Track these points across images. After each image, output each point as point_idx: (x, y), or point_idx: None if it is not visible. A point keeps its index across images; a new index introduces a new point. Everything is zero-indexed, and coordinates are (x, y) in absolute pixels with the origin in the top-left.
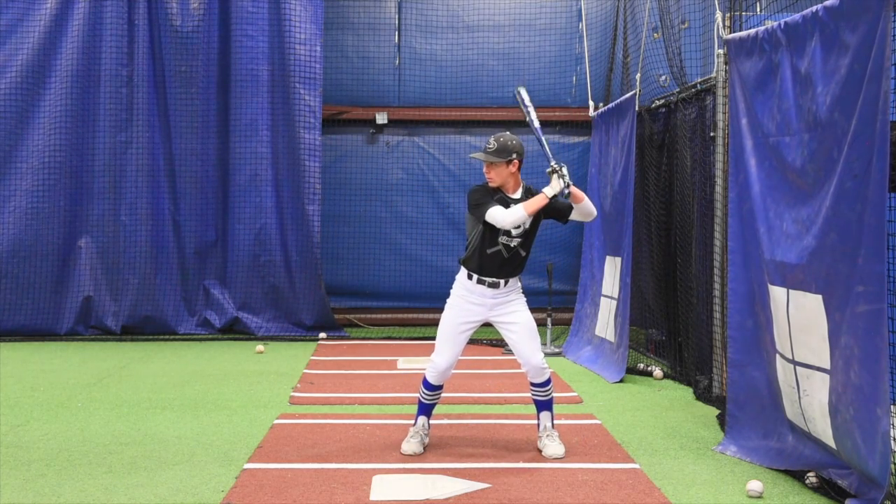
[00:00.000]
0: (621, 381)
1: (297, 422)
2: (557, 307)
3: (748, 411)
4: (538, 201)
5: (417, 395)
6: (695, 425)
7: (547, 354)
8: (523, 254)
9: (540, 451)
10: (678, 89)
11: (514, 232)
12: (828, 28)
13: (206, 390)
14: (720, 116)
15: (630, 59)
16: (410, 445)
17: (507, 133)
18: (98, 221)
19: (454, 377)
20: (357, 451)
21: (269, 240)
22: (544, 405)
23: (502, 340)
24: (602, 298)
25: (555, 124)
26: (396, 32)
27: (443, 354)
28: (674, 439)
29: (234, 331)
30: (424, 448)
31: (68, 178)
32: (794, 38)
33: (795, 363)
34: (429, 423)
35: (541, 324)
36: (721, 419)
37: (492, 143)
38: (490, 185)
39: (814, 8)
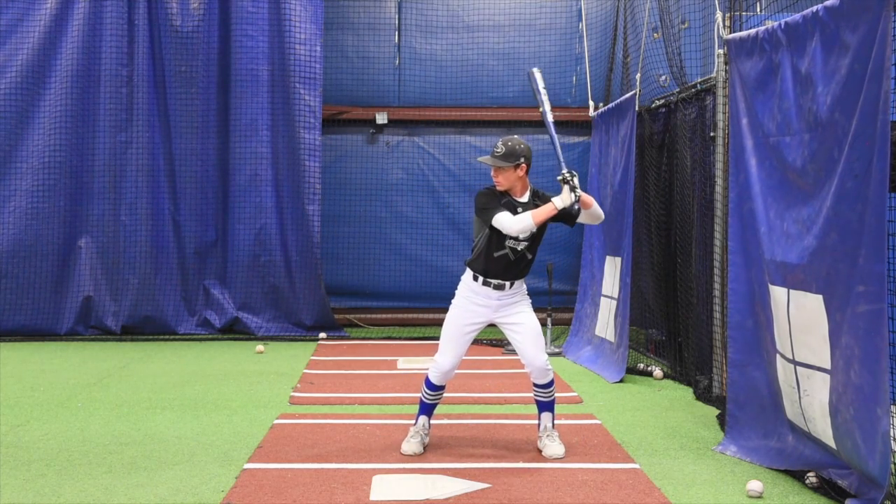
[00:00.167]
0: (621, 381)
1: (297, 422)
2: (557, 307)
3: (748, 411)
4: (547, 211)
5: (418, 395)
6: (695, 425)
7: (547, 354)
8: (529, 257)
9: (540, 451)
10: (678, 89)
11: (521, 236)
12: (828, 28)
13: (206, 390)
14: (720, 116)
15: (630, 59)
16: (410, 445)
17: (515, 137)
18: (98, 221)
19: (455, 377)
20: (357, 451)
21: (269, 240)
22: (546, 406)
23: (502, 340)
24: (602, 298)
25: (555, 124)
26: (396, 32)
27: (446, 355)
28: (674, 439)
29: (234, 331)
30: (424, 448)
31: (68, 178)
32: (794, 38)
33: (796, 363)
34: (429, 423)
35: (541, 324)
36: (721, 419)
37: (500, 146)
38: (497, 188)
39: (814, 8)
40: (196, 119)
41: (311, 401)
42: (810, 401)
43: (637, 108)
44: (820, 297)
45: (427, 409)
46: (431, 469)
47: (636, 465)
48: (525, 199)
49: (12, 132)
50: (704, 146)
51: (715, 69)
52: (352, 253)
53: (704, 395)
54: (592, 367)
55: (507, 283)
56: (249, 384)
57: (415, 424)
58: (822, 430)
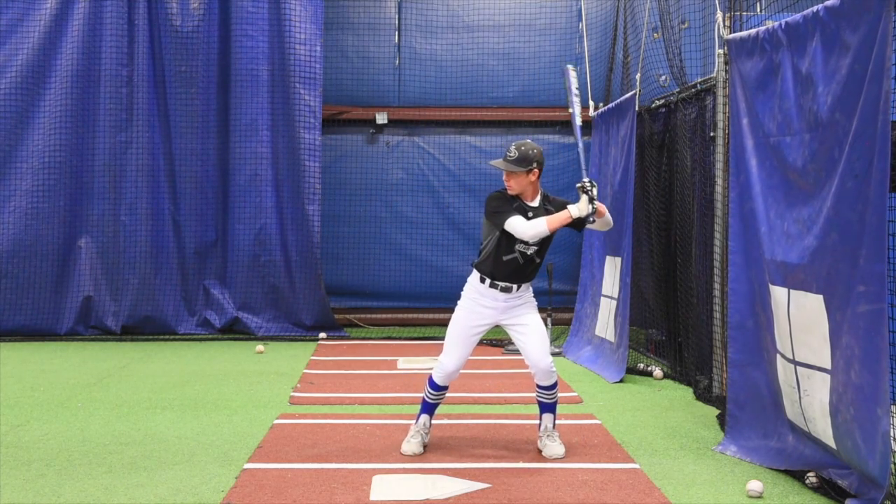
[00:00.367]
0: (621, 381)
1: (297, 422)
2: (557, 307)
3: (748, 411)
4: (562, 219)
5: (418, 395)
6: (695, 425)
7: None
8: (538, 261)
9: (540, 451)
10: (678, 89)
11: (529, 241)
12: (829, 28)
13: (206, 390)
14: (720, 116)
15: (630, 59)
16: (411, 446)
17: (528, 141)
18: (98, 221)
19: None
20: (357, 451)
21: (269, 240)
22: (548, 407)
23: (502, 340)
24: (602, 298)
25: (555, 124)
26: (396, 32)
27: (452, 356)
28: (674, 439)
29: (234, 331)
30: (425, 448)
31: (68, 178)
32: (794, 38)
33: (796, 363)
34: (430, 422)
35: None
36: (721, 419)
37: (512, 151)
38: (509, 192)
39: (814, 8)
40: (196, 119)
41: (311, 401)
42: (810, 401)
43: (637, 108)
44: (820, 297)
45: (429, 409)
46: (431, 469)
47: (636, 465)
48: (536, 203)
49: (12, 132)
50: (704, 146)
51: (715, 69)
52: (352, 253)
53: (704, 395)
54: (592, 367)
55: (515, 286)
56: (249, 384)
57: (416, 423)
58: (823, 430)
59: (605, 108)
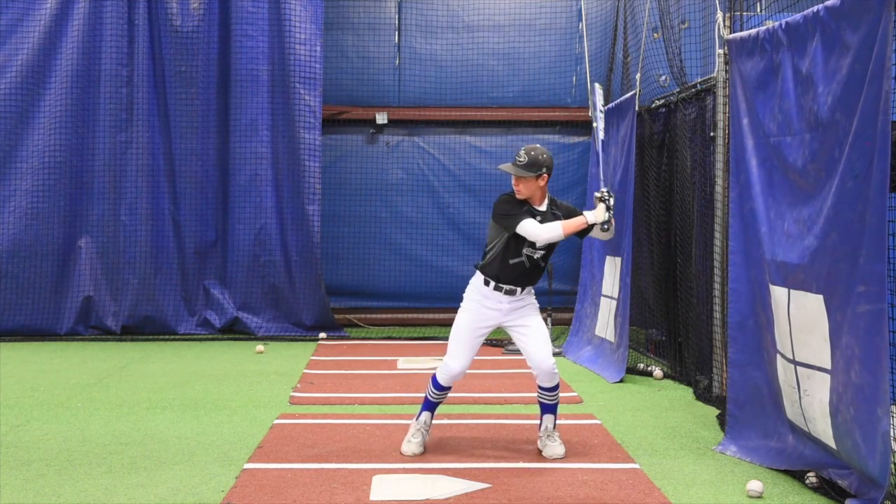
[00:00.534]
0: (621, 381)
1: (297, 422)
2: (557, 307)
3: (748, 411)
4: (577, 224)
5: (418, 395)
6: (695, 425)
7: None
8: (543, 265)
9: (540, 451)
10: (678, 89)
11: (539, 244)
12: (829, 28)
13: (206, 390)
14: (720, 116)
15: (630, 59)
16: (411, 446)
17: (538, 146)
18: (98, 221)
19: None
20: (357, 451)
21: (269, 240)
22: (549, 409)
23: (502, 340)
24: (602, 298)
25: (555, 124)
26: (396, 32)
27: (457, 358)
28: (674, 439)
29: (234, 331)
30: (424, 449)
31: (68, 178)
32: (795, 38)
33: (796, 363)
34: (431, 421)
35: None
36: (721, 419)
37: (522, 155)
38: (517, 197)
39: (815, 8)
40: (196, 119)
41: (311, 401)
42: (810, 401)
43: (637, 108)
44: (820, 297)
45: (431, 407)
46: (431, 469)
47: (636, 465)
48: (543, 207)
49: (12, 132)
50: (704, 146)
51: (715, 69)
52: (352, 253)
53: (704, 395)
54: (592, 367)
55: (519, 289)
56: (249, 384)
57: (416, 420)
58: (823, 430)
59: (605, 108)
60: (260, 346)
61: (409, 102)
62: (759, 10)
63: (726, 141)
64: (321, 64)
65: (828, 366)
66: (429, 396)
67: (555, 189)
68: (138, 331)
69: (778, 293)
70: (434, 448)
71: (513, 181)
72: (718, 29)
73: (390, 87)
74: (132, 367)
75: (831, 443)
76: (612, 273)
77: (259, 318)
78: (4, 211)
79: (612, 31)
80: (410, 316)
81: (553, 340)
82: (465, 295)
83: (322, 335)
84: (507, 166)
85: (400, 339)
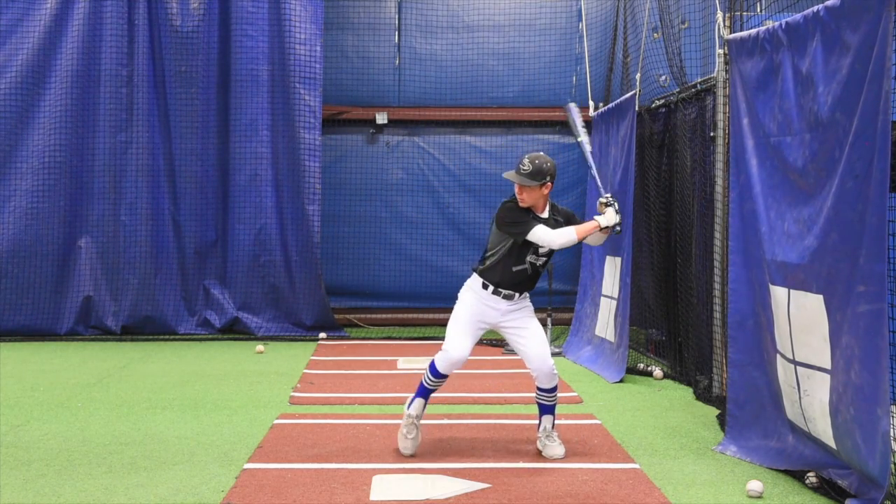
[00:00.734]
0: (621, 381)
1: (297, 422)
2: (557, 307)
3: (748, 411)
4: (590, 228)
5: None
6: (695, 425)
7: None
8: (541, 270)
9: (540, 451)
10: (678, 89)
11: (541, 251)
12: (829, 28)
13: (206, 390)
14: (720, 116)
15: (630, 59)
16: (408, 443)
17: (542, 154)
18: (98, 221)
19: (455, 377)
20: (357, 451)
21: (269, 240)
22: (548, 409)
23: (502, 340)
24: (602, 298)
25: (554, 124)
26: (396, 32)
27: (458, 343)
28: (674, 439)
29: (234, 331)
30: (419, 443)
31: (68, 178)
32: (795, 38)
33: (796, 363)
34: (423, 410)
35: (541, 324)
36: (721, 419)
37: (526, 164)
38: (521, 205)
39: (815, 8)
40: (196, 119)
41: (311, 401)
42: (810, 401)
43: (637, 108)
44: (820, 296)
45: (425, 394)
46: (431, 469)
47: (636, 465)
48: (546, 214)
49: (12, 132)
50: (704, 146)
51: (715, 69)
52: (352, 253)
53: (704, 395)
54: (592, 367)
55: (517, 294)
56: (249, 384)
57: (408, 408)
58: (823, 430)
59: (605, 108)
60: (260, 346)
61: (409, 102)
62: (759, 10)
63: (726, 141)
64: (321, 64)
65: (828, 366)
66: (424, 382)
67: (555, 189)
68: (138, 331)
69: (778, 293)
70: (434, 448)
71: (516, 189)
72: (718, 29)
73: (390, 87)
74: (132, 367)
75: (831, 443)
76: (612, 273)
77: (259, 318)
78: (4, 211)
79: (612, 31)
80: (410, 316)
81: (553, 340)
82: (460, 294)
83: (322, 335)
84: (511, 175)
85: (400, 339)
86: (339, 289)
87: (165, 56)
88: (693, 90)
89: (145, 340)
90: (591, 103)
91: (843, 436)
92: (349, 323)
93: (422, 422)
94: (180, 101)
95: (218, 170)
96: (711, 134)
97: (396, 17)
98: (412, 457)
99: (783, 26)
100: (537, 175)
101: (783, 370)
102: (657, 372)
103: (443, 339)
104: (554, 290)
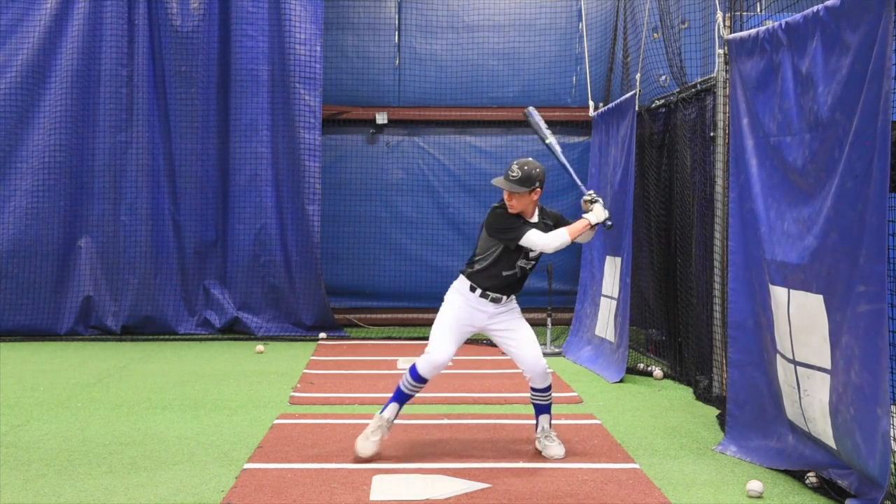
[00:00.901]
0: (621, 381)
1: (297, 422)
2: (557, 307)
3: (748, 411)
4: (581, 227)
5: (420, 394)
6: (695, 425)
7: (546, 355)
8: (529, 272)
9: (539, 451)
10: (678, 89)
11: (532, 255)
12: (829, 28)
13: (206, 390)
14: (720, 116)
15: (630, 59)
16: (367, 445)
17: (531, 160)
18: (98, 221)
19: (455, 377)
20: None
21: (269, 240)
22: (545, 408)
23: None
24: (602, 298)
25: (554, 124)
26: (396, 32)
27: (442, 347)
28: (674, 439)
29: (234, 331)
30: (379, 448)
31: (68, 178)
32: (795, 38)
33: (796, 363)
34: (395, 417)
35: (541, 324)
36: (721, 419)
37: (515, 170)
38: (510, 211)
39: (815, 8)
40: (196, 119)
41: (311, 401)
42: (810, 401)
43: (637, 108)
44: (820, 296)
45: (402, 399)
46: (431, 469)
47: (636, 465)
48: (535, 219)
49: (12, 132)
50: (704, 146)
51: (715, 69)
52: (352, 253)
53: (704, 395)
54: (592, 367)
55: (505, 297)
56: (249, 384)
57: (381, 413)
58: (823, 430)
59: (605, 108)
60: (260, 346)
61: (409, 102)
62: (759, 10)
63: (726, 141)
64: (321, 64)
65: (828, 366)
66: (402, 387)
67: (554, 189)
68: (138, 331)
69: (778, 293)
70: (434, 448)
71: (505, 196)
72: (718, 29)
73: (390, 87)
74: (132, 367)
75: (831, 443)
76: (612, 273)
77: (259, 318)
78: (4, 211)
79: (612, 31)
80: (410, 316)
81: (553, 340)
82: (447, 296)
83: (322, 335)
84: (499, 181)
85: (400, 339)
86: (339, 289)
87: (165, 56)
88: (693, 90)
89: (145, 340)
90: (591, 103)
91: (843, 436)
92: (349, 323)
93: (422, 422)
94: (180, 101)
95: (218, 170)
96: (711, 134)
97: (396, 17)
98: (366, 458)
99: (783, 26)
100: (526, 181)
101: (783, 370)
102: (657, 372)
103: None
104: (554, 290)
